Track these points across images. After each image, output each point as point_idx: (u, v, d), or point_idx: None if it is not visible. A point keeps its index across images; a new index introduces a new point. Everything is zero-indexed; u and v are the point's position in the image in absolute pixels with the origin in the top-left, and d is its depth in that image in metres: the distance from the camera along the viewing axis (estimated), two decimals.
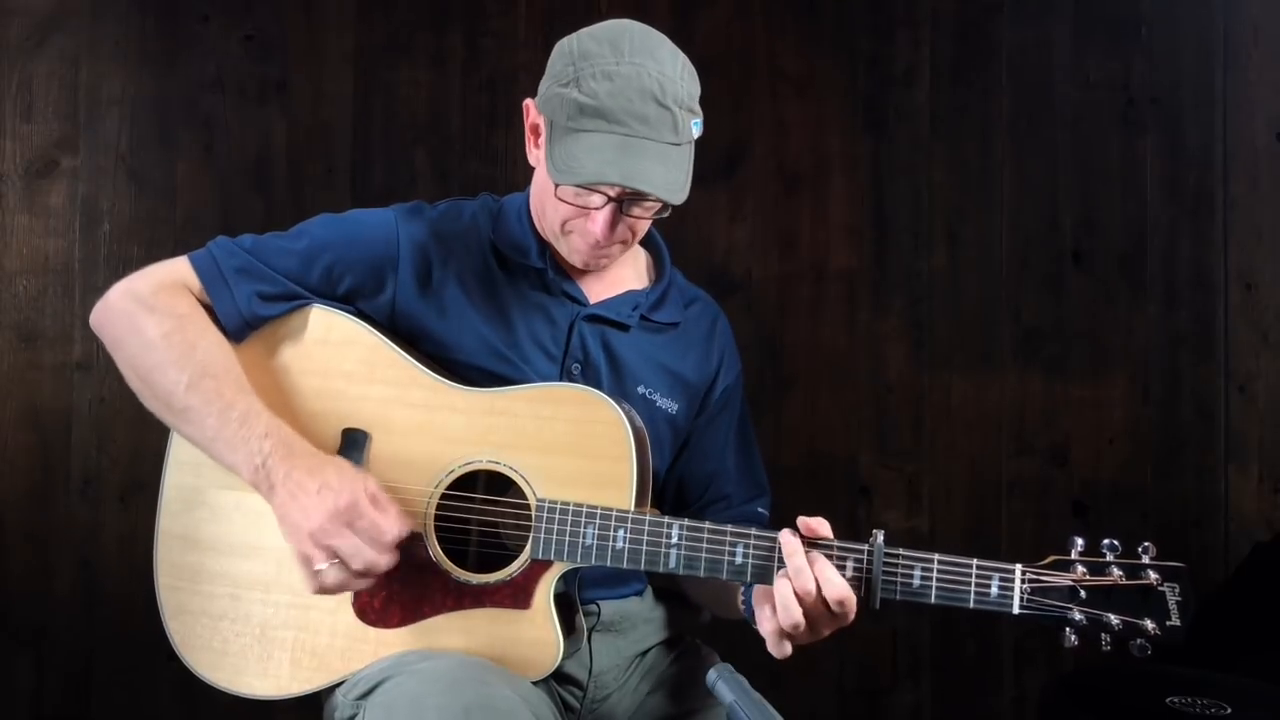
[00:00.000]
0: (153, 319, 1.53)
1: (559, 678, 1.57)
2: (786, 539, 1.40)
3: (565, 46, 1.55)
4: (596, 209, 1.52)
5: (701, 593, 1.72)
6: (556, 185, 1.53)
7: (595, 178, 1.47)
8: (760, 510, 1.75)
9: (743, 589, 1.54)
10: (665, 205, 1.55)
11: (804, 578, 1.37)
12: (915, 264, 2.80)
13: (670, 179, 1.49)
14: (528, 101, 1.60)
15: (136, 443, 2.66)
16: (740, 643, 1.68)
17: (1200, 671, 2.12)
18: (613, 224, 1.53)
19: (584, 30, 1.56)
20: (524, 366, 1.59)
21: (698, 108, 1.54)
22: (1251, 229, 2.79)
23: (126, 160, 2.72)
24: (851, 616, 1.39)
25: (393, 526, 1.45)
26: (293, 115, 2.75)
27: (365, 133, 2.76)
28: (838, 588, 1.37)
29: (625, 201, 1.52)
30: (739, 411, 1.78)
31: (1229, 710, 1.97)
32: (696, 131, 1.54)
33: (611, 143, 1.47)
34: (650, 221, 1.61)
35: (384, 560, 1.45)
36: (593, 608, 1.62)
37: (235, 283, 1.57)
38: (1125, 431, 2.78)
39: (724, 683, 1.29)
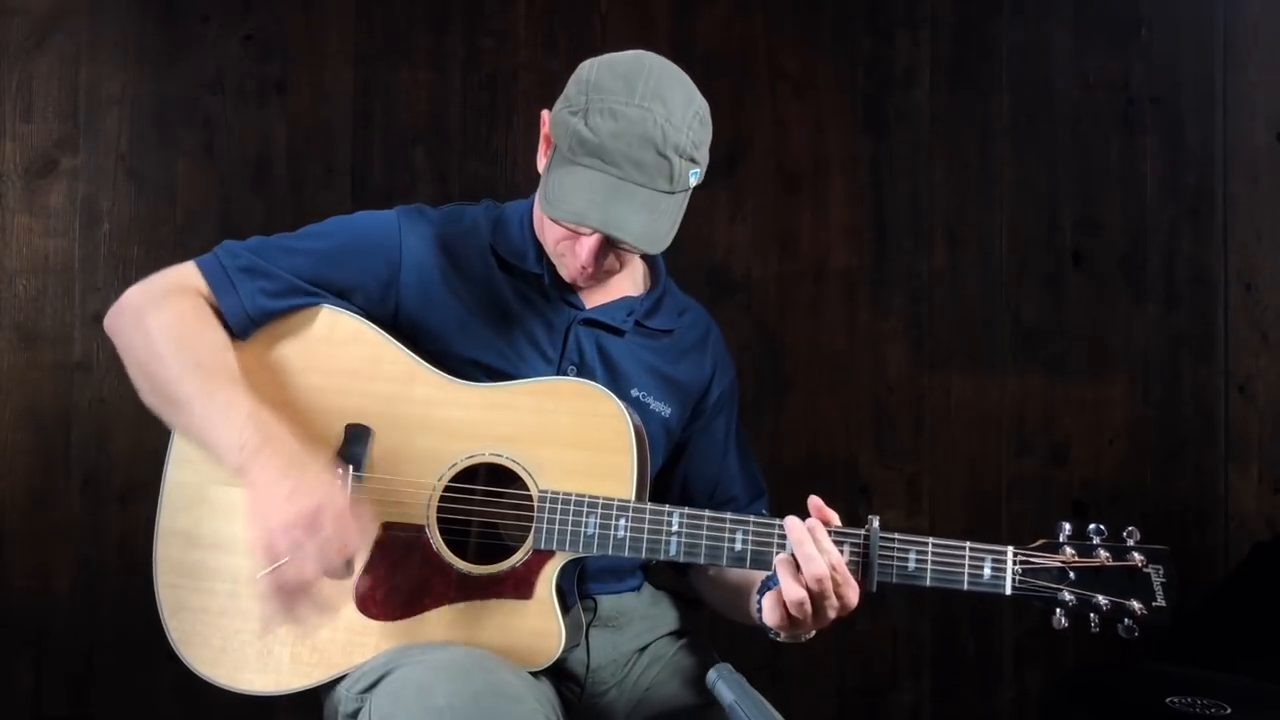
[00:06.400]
0: (155, 315, 1.55)
1: (557, 673, 1.57)
2: (793, 527, 1.43)
3: (583, 73, 1.54)
4: (586, 235, 1.52)
5: (716, 597, 1.73)
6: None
7: (575, 218, 1.49)
8: (763, 511, 1.76)
9: (756, 597, 1.54)
10: None
11: (815, 564, 1.39)
12: (915, 264, 2.80)
13: (652, 228, 1.49)
14: (545, 112, 1.60)
15: (136, 443, 2.66)
16: (740, 642, 1.68)
17: (1200, 671, 2.12)
18: (599, 254, 1.54)
19: (606, 58, 1.55)
20: (522, 366, 1.61)
21: (701, 155, 1.53)
22: (1251, 229, 2.79)
23: (126, 160, 2.71)
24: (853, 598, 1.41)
25: (349, 544, 1.41)
26: (293, 115, 2.75)
27: (365, 133, 2.76)
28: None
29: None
30: (735, 416, 1.80)
31: (1229, 710, 1.97)
32: (694, 180, 1.53)
33: (601, 183, 1.47)
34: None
35: (332, 572, 1.41)
36: (590, 602, 1.63)
37: (240, 281, 1.58)
38: (1125, 431, 2.78)
39: (724, 683, 1.29)
